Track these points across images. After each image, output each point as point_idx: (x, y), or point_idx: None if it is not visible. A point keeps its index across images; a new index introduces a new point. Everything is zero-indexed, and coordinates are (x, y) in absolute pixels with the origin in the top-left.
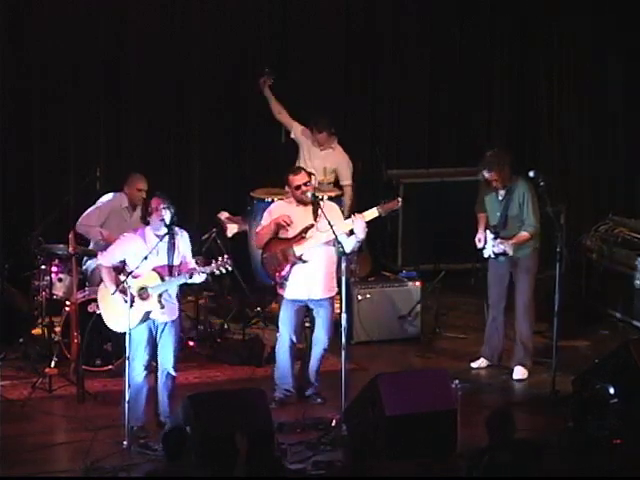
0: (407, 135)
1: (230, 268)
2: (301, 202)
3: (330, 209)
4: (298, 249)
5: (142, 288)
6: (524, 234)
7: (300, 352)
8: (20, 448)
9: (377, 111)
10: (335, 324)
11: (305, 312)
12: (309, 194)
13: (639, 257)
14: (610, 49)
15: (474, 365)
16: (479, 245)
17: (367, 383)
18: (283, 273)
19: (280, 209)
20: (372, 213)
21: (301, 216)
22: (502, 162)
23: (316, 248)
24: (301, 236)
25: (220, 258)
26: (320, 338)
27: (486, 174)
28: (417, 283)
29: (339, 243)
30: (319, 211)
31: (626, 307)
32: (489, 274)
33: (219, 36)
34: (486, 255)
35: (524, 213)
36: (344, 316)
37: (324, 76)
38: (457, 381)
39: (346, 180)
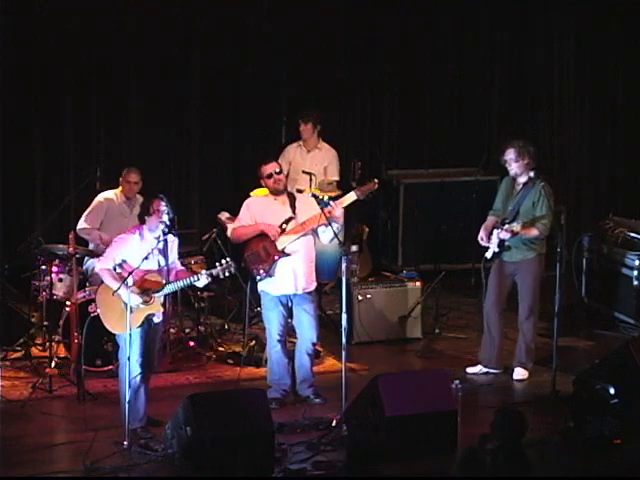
0: (407, 135)
1: (233, 271)
2: (275, 193)
3: (306, 201)
4: (279, 243)
5: (146, 291)
6: (533, 229)
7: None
8: (20, 448)
9: (377, 111)
10: (335, 324)
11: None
12: (310, 194)
13: (639, 257)
14: (610, 49)
15: (470, 371)
16: (482, 243)
17: (367, 383)
18: (268, 269)
19: (257, 204)
20: (350, 197)
21: (279, 210)
22: (524, 150)
23: (297, 241)
24: (281, 229)
25: (224, 262)
26: (307, 333)
27: (506, 156)
28: (417, 283)
29: (333, 232)
30: (296, 203)
31: (626, 307)
32: (490, 276)
33: (219, 36)
34: (489, 255)
35: (536, 212)
36: (344, 316)
37: (324, 76)
38: (457, 381)
39: (334, 176)
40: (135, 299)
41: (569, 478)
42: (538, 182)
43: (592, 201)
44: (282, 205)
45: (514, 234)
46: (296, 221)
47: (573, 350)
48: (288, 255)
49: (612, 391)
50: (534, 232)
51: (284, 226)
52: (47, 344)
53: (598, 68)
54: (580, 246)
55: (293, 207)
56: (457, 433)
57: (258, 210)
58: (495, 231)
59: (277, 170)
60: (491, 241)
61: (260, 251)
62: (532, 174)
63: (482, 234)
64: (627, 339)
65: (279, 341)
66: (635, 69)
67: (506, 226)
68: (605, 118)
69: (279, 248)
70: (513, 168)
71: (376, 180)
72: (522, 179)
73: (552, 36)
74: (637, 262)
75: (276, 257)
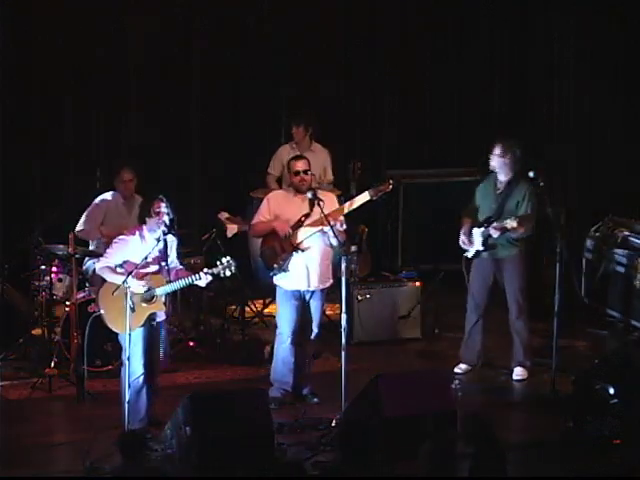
0: (407, 135)
1: (234, 270)
2: (298, 190)
3: (326, 199)
4: (295, 238)
5: (149, 291)
6: (521, 227)
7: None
8: (20, 448)
9: (377, 111)
10: (335, 324)
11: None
12: (309, 194)
13: (639, 257)
14: (610, 49)
15: (458, 370)
16: (464, 246)
17: (367, 383)
18: (282, 264)
19: (277, 199)
20: (363, 197)
21: (298, 206)
22: (509, 149)
23: (312, 237)
24: (298, 224)
25: (224, 260)
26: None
27: (493, 150)
28: (417, 283)
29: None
30: (315, 202)
31: (626, 307)
32: (472, 275)
33: (219, 36)
34: (470, 255)
35: (521, 210)
36: (344, 316)
37: (324, 76)
38: (457, 381)
39: (330, 176)
40: (136, 285)
41: (569, 478)
42: (522, 182)
43: (592, 201)
44: (302, 202)
45: (506, 230)
46: (312, 218)
47: (573, 350)
48: (303, 250)
49: (612, 391)
50: (521, 230)
51: (302, 219)
52: (47, 344)
53: (598, 68)
54: (580, 246)
55: (312, 204)
56: (457, 433)
57: (278, 205)
58: (477, 230)
59: (305, 169)
60: (472, 241)
61: (276, 246)
62: (532, 174)
63: (463, 238)
64: (626, 339)
65: (288, 337)
66: (635, 69)
67: (495, 224)
68: (605, 118)
69: (294, 243)
70: (494, 162)
71: (391, 181)
72: (502, 177)
73: (552, 36)
74: (637, 262)
75: (291, 252)
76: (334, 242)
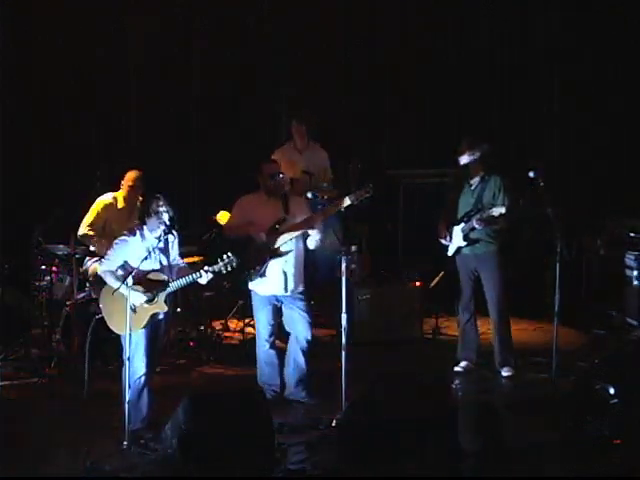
0: (407, 135)
1: (235, 266)
2: (271, 194)
3: (299, 202)
4: (272, 243)
5: (150, 290)
6: (502, 207)
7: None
8: (20, 448)
9: (377, 111)
10: (336, 324)
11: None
12: (309, 194)
13: (638, 257)
14: (610, 48)
15: (458, 369)
16: (444, 242)
17: (367, 383)
18: (259, 269)
19: (249, 202)
20: (344, 202)
21: (271, 209)
22: (476, 144)
23: (287, 242)
24: (273, 229)
25: (225, 257)
26: (302, 331)
27: (464, 146)
28: (417, 283)
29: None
30: (289, 204)
31: (625, 307)
32: (460, 277)
33: (219, 36)
34: (451, 253)
35: (498, 201)
36: (344, 316)
37: (324, 76)
38: (457, 381)
39: (329, 175)
40: (137, 296)
41: (569, 478)
42: (495, 175)
43: (592, 201)
44: (274, 205)
45: (492, 220)
46: (288, 222)
47: (573, 350)
48: (280, 256)
49: (612, 391)
50: (502, 210)
51: (277, 227)
52: (47, 344)
53: (598, 68)
54: (580, 246)
55: (286, 207)
56: (457, 433)
57: (250, 209)
58: (457, 226)
59: (279, 172)
60: (453, 237)
61: (251, 251)
62: (532, 174)
63: (445, 233)
64: (627, 339)
65: (267, 341)
66: (635, 69)
67: (477, 216)
68: (606, 118)
69: (270, 248)
70: (464, 159)
71: (371, 185)
72: (474, 172)
73: (552, 36)
74: (637, 262)
75: (267, 257)
76: (311, 244)
